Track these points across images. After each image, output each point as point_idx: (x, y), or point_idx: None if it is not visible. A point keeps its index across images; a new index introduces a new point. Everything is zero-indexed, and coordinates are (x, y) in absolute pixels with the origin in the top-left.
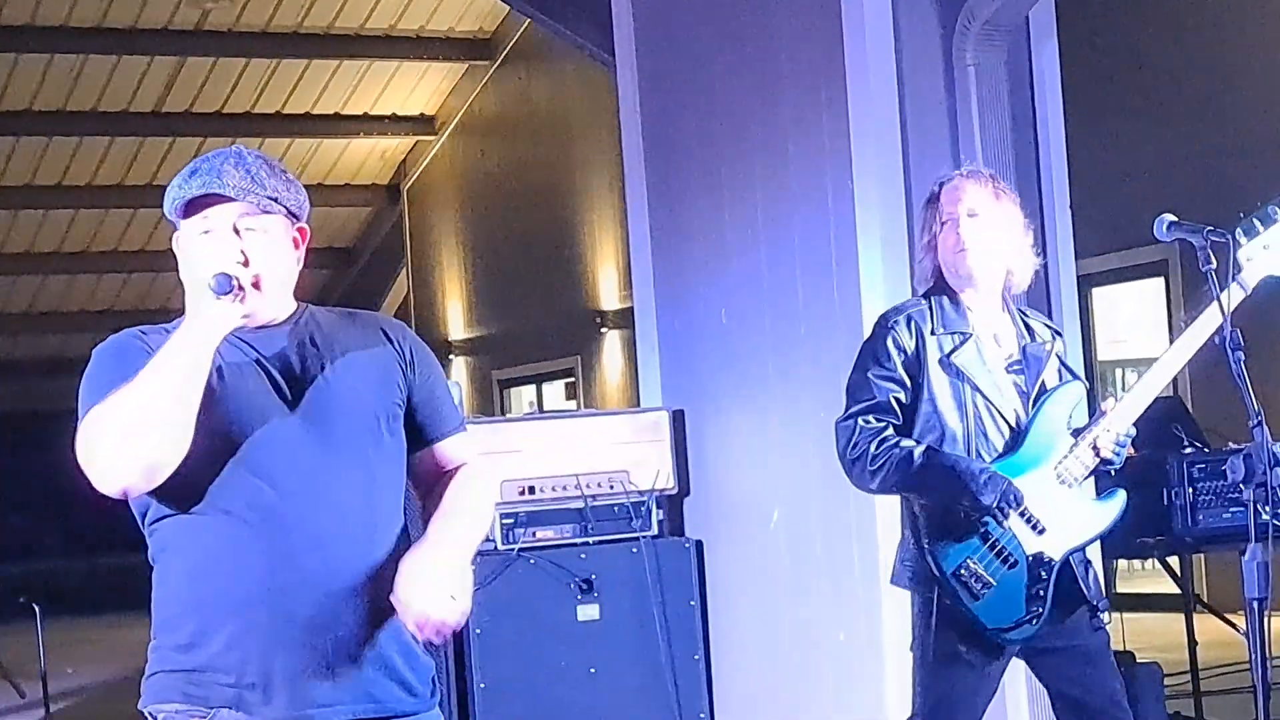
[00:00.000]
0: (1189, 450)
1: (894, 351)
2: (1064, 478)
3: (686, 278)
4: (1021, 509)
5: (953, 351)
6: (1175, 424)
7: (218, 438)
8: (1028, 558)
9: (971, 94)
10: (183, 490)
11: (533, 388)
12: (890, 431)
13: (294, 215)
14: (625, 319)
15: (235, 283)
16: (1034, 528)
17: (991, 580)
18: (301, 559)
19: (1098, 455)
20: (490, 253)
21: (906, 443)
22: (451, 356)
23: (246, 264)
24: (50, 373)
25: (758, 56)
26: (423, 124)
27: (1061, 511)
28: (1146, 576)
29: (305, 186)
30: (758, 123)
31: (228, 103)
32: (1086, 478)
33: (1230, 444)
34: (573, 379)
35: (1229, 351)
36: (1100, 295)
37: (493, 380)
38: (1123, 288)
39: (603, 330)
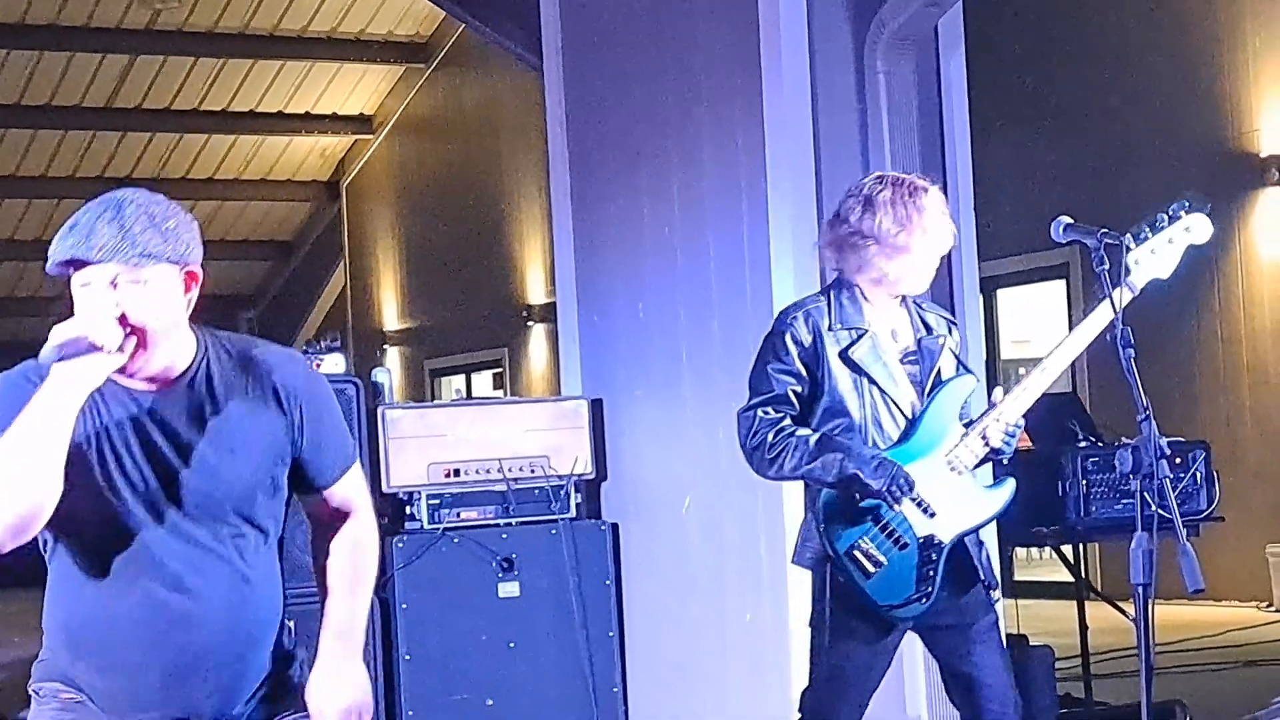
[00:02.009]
0: (1083, 444)
1: (792, 346)
2: (954, 465)
3: (606, 274)
4: (912, 494)
5: (849, 346)
6: (1070, 419)
7: (93, 503)
8: (918, 540)
9: (882, 101)
10: (62, 541)
11: (463, 377)
12: (788, 421)
13: (175, 262)
14: (551, 313)
15: (87, 343)
16: (925, 512)
17: (882, 560)
18: (180, 639)
19: (987, 445)
20: (424, 248)
21: (802, 431)
22: (386, 346)
23: (124, 320)
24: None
25: (678, 64)
26: (361, 124)
27: (951, 497)
28: (1043, 566)
29: (247, 183)
30: (676, 127)
31: (176, 99)
32: (977, 466)
33: (1123, 439)
34: (501, 369)
35: (1120, 348)
36: (1004, 296)
37: (425, 370)
38: (1025, 289)
39: (529, 324)
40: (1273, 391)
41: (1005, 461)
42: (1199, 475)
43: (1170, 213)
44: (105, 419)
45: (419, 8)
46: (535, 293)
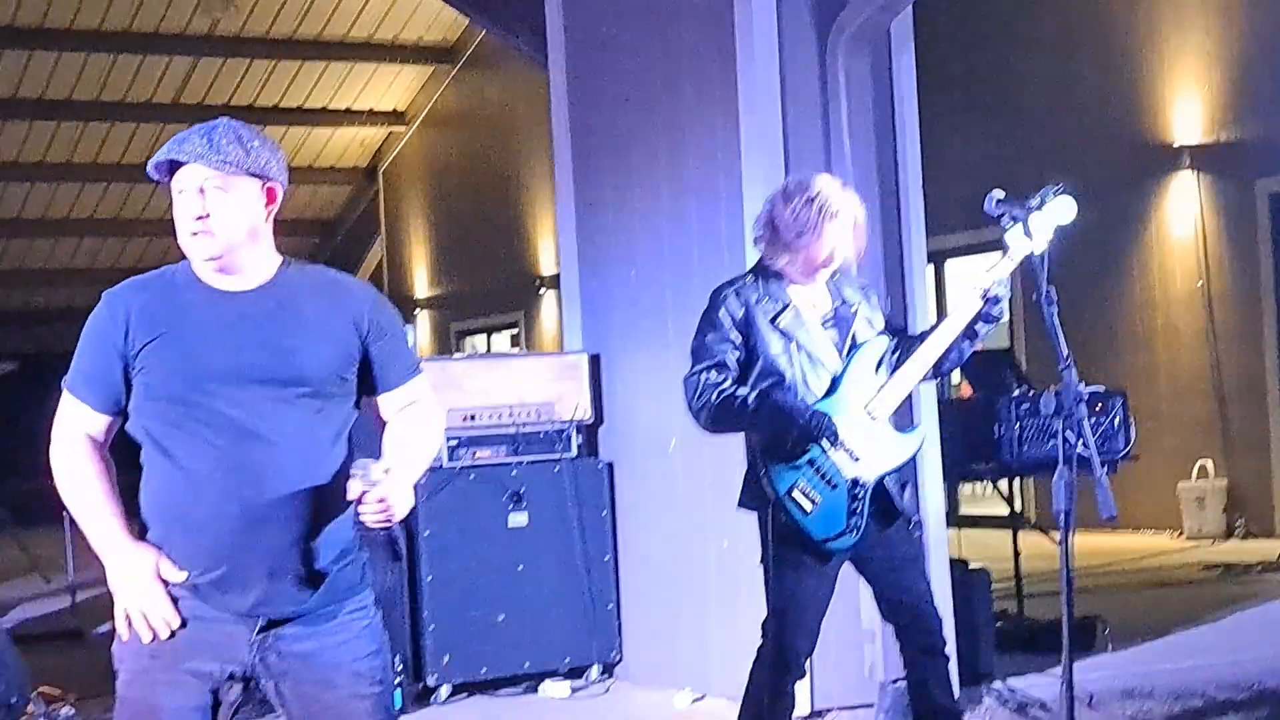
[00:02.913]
0: (1016, 393)
1: (726, 319)
2: (873, 414)
3: (603, 244)
4: (839, 441)
5: (776, 316)
6: (1005, 371)
7: (182, 384)
8: (846, 481)
9: (842, 93)
10: (150, 425)
11: (484, 337)
12: (728, 383)
13: (257, 176)
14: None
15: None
16: (850, 456)
17: (817, 498)
18: (252, 491)
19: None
20: (450, 225)
21: (742, 390)
22: (417, 311)
23: (205, 217)
24: (66, 321)
25: (665, 63)
26: (395, 118)
27: (872, 443)
28: (983, 501)
29: (296, 169)
30: (663, 116)
31: (233, 97)
32: (894, 412)
33: (1051, 387)
34: (517, 330)
35: (1044, 306)
36: (951, 267)
37: (451, 331)
38: (972, 259)
39: (541, 290)
40: (1184, 350)
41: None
42: (1117, 420)
43: (1041, 197)
44: (196, 314)
45: (446, 16)
46: (547, 264)
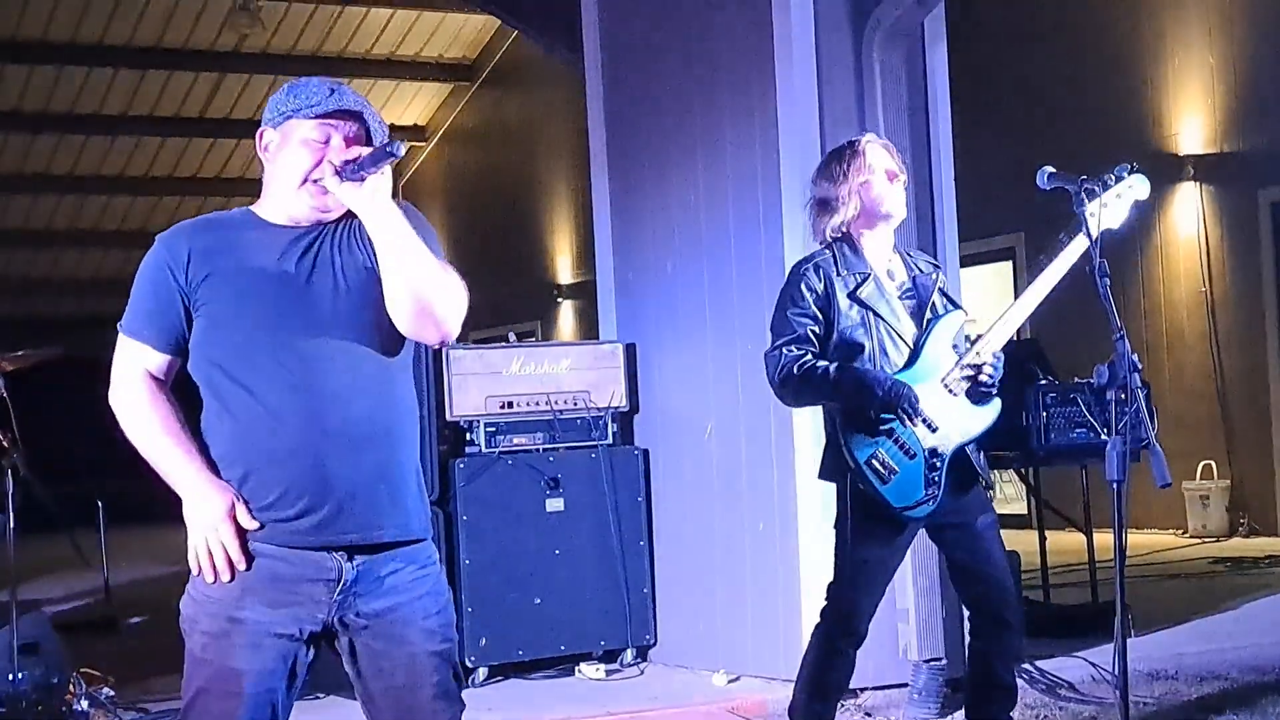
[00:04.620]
0: (1043, 383)
1: (806, 293)
2: (951, 388)
3: (639, 236)
4: (918, 411)
5: (856, 288)
6: (1032, 361)
7: (248, 314)
8: (924, 450)
9: (877, 87)
10: (222, 359)
11: None
12: (809, 357)
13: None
14: (577, 291)
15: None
16: (928, 426)
17: (895, 468)
18: (334, 413)
19: (977, 375)
20: (469, 237)
21: (822, 363)
22: None
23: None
24: (94, 329)
25: (702, 57)
26: (416, 132)
27: (949, 414)
28: (999, 502)
29: None
30: (701, 109)
31: (259, 111)
32: (968, 389)
33: (1075, 378)
34: (535, 339)
35: (1098, 278)
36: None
37: (469, 340)
38: (977, 269)
39: (559, 300)
40: (1187, 353)
41: (994, 392)
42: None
43: (1116, 174)
44: (255, 246)
45: (466, 34)
46: (564, 274)
